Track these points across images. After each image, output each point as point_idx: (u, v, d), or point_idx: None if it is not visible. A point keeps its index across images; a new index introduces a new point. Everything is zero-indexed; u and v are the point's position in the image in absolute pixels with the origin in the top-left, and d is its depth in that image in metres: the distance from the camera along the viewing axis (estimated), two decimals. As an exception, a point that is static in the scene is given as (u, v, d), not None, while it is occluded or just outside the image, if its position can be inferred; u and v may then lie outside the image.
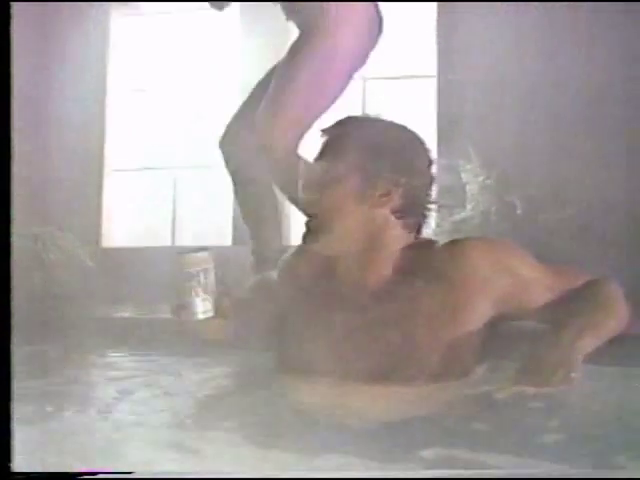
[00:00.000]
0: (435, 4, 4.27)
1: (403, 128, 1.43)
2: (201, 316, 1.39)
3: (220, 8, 2.23)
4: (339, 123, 1.42)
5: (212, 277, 1.40)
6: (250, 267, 2.27)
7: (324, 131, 1.41)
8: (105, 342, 2.18)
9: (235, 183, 2.29)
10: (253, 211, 2.29)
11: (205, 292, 1.38)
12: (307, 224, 1.38)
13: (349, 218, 1.35)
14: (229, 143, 2.24)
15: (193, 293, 1.37)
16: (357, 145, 1.35)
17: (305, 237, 1.39)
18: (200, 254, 1.39)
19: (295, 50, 2.16)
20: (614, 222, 3.66)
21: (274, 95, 2.08)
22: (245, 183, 2.26)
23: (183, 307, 1.39)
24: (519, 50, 3.97)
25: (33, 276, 3.71)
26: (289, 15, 2.27)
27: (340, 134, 1.39)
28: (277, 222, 2.32)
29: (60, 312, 2.86)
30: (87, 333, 2.36)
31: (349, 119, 1.43)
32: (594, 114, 3.87)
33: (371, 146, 1.35)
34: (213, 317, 1.39)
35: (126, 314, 2.96)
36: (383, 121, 1.43)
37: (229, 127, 2.27)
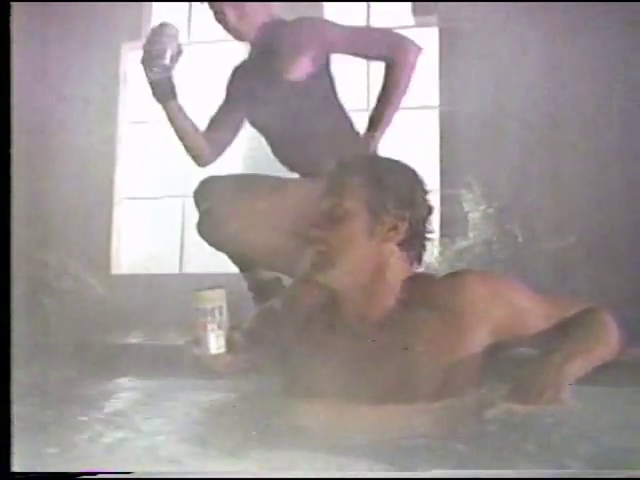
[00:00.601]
0: (437, 35, 4.37)
1: (399, 163, 1.50)
2: (214, 351, 1.45)
3: (162, 102, 2.21)
4: (342, 162, 1.49)
5: (225, 314, 1.46)
6: (252, 300, 2.31)
7: (328, 170, 1.48)
8: (115, 367, 2.22)
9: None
10: (239, 261, 2.29)
11: (219, 328, 1.44)
12: (314, 259, 1.44)
13: (359, 253, 1.41)
14: (203, 196, 2.23)
15: (209, 328, 1.43)
16: (362, 182, 1.42)
17: (312, 271, 1.44)
18: (215, 291, 1.45)
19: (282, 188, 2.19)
20: (614, 250, 3.71)
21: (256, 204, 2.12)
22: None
23: (197, 342, 1.45)
24: (520, 81, 4.05)
25: (43, 302, 3.76)
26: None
27: (344, 172, 1.46)
28: None
29: (70, 338, 2.90)
30: (97, 359, 2.40)
31: (351, 158, 1.50)
32: (594, 144, 3.94)
33: (375, 183, 1.41)
34: (225, 353, 1.46)
35: (135, 340, 3.01)
36: (381, 158, 1.51)
37: (207, 183, 2.23)
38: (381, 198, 1.40)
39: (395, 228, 1.41)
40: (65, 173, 4.61)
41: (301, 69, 2.16)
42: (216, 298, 1.45)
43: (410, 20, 4.48)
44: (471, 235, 3.68)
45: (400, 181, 1.44)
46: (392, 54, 2.15)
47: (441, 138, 4.16)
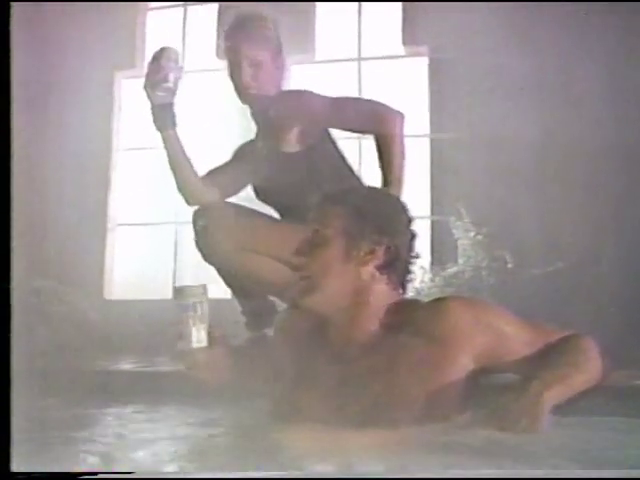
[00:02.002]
0: (427, 64, 4.45)
1: (381, 192, 1.56)
2: (195, 345, 1.49)
3: (162, 130, 2.14)
4: (325, 194, 1.54)
5: (206, 309, 1.50)
6: (244, 325, 2.32)
7: (312, 202, 1.53)
8: (107, 394, 2.23)
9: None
10: (232, 282, 2.30)
11: (200, 322, 1.49)
12: (299, 285, 1.48)
13: (337, 277, 1.46)
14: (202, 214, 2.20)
15: (190, 322, 1.48)
16: (341, 211, 1.48)
17: (297, 297, 1.49)
18: (195, 287, 1.50)
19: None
20: (602, 275, 3.76)
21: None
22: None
23: (179, 336, 1.50)
24: (509, 110, 4.11)
25: (36, 329, 3.76)
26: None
27: (326, 202, 1.51)
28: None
29: (63, 364, 2.91)
30: (89, 385, 2.41)
31: (333, 191, 1.56)
32: (583, 171, 4.00)
33: (354, 211, 1.47)
34: (206, 347, 1.50)
35: (128, 365, 3.02)
36: (364, 188, 1.56)
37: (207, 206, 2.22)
38: (359, 225, 1.46)
39: (372, 252, 1.45)
40: (59, 200, 4.64)
41: (295, 142, 2.18)
42: (197, 293, 1.50)
43: (400, 50, 4.57)
44: (461, 261, 3.72)
45: (379, 209, 1.49)
46: (377, 128, 2.16)
47: (431, 166, 4.22)
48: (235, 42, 2.21)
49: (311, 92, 2.22)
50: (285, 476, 1.02)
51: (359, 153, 4.16)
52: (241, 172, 2.33)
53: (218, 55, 2.47)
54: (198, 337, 1.49)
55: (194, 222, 2.20)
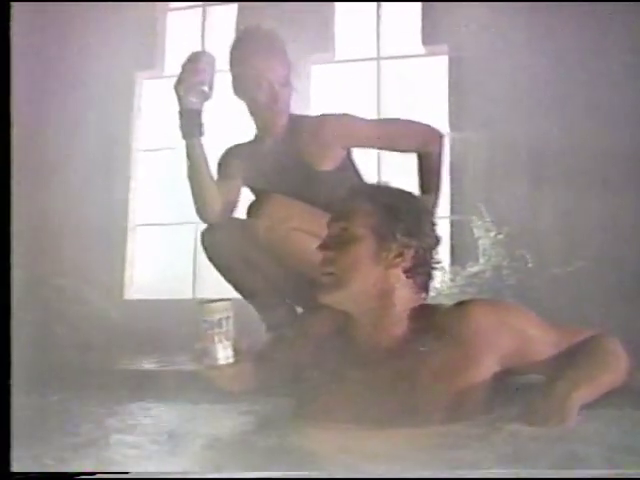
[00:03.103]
0: (446, 63, 4.43)
1: (410, 194, 1.54)
2: (222, 362, 1.47)
3: (188, 138, 2.04)
4: (354, 189, 1.53)
5: (232, 325, 1.48)
6: (264, 329, 2.29)
7: (342, 197, 1.52)
8: (127, 393, 2.24)
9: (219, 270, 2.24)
10: (246, 290, 2.27)
11: (226, 339, 1.47)
12: (323, 280, 1.47)
13: (365, 276, 1.44)
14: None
15: (216, 339, 1.46)
16: (371, 209, 1.46)
17: (320, 292, 1.48)
18: (221, 303, 1.48)
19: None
20: (622, 275, 3.72)
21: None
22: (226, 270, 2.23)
23: (205, 353, 1.47)
24: (529, 108, 4.10)
25: (57, 328, 3.79)
26: None
27: (355, 198, 1.50)
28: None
29: (82, 363, 2.92)
30: (110, 384, 2.42)
31: (363, 185, 1.54)
32: (603, 171, 3.97)
33: (384, 210, 1.45)
34: (232, 363, 1.48)
35: (148, 365, 3.03)
36: (392, 188, 1.54)
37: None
38: (389, 225, 1.44)
39: (401, 255, 1.44)
40: (79, 200, 4.67)
41: (331, 162, 2.16)
42: (222, 309, 1.47)
43: (420, 49, 4.56)
44: (481, 261, 3.70)
45: (409, 210, 1.48)
46: (421, 147, 2.19)
47: (451, 165, 4.19)
48: (260, 58, 2.13)
49: (352, 115, 2.19)
50: (287, 476, 1.01)
51: (378, 167, 4.19)
52: (242, 180, 2.27)
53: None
54: (224, 354, 1.47)
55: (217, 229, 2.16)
